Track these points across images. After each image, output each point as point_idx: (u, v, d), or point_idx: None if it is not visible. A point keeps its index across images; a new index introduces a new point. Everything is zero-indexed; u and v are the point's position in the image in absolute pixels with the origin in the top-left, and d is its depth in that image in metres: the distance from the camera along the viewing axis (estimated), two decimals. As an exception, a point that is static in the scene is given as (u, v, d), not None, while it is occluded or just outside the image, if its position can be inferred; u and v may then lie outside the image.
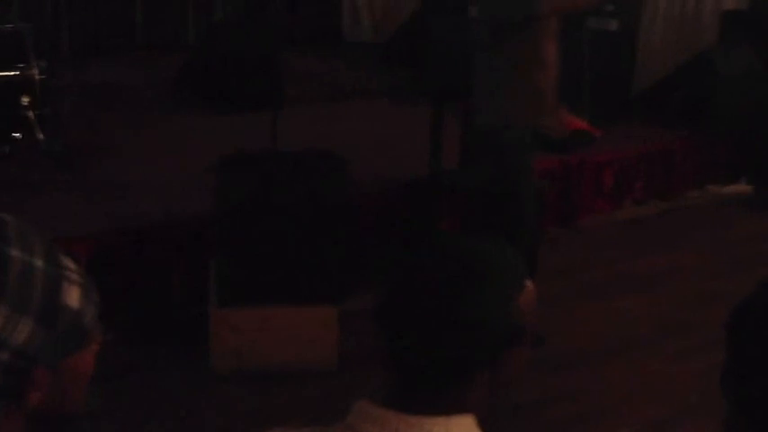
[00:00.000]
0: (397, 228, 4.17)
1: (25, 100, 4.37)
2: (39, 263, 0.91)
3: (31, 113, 4.37)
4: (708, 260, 4.64)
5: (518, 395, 2.73)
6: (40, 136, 4.38)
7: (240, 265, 3.44)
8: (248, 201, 3.45)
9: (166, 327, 3.70)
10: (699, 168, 5.60)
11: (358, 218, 3.93)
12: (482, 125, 3.71)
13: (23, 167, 4.40)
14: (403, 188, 4.38)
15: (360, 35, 7.83)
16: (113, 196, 4.14)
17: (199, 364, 3.43)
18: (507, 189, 3.65)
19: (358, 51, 7.38)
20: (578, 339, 3.81)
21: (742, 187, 5.77)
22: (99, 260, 3.58)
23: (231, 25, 6.55)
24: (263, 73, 5.44)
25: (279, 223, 3.43)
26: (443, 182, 4.36)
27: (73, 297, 0.93)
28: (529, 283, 1.22)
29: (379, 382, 1.16)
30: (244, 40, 5.72)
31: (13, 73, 4.44)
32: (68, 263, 0.96)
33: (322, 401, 3.22)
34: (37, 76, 4.45)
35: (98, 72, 6.09)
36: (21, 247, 0.91)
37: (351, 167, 3.69)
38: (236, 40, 5.76)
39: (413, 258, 1.20)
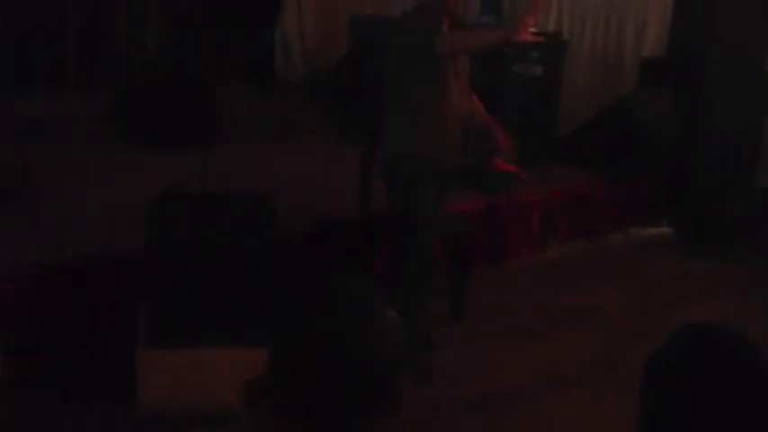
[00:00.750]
0: (328, 268, 4.19)
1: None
2: None
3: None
4: (632, 301, 4.77)
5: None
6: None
7: (169, 306, 3.43)
8: (178, 241, 3.44)
9: (93, 367, 3.64)
10: (621, 210, 5.77)
11: (288, 259, 3.93)
12: (383, 157, 3.80)
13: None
14: (333, 228, 4.40)
15: (292, 73, 7.88)
16: (39, 234, 4.07)
17: (125, 405, 3.38)
18: (404, 221, 3.72)
19: (290, 90, 7.42)
20: (504, 379, 3.85)
21: (663, 229, 5.96)
22: (24, 300, 3.52)
23: (163, 63, 6.52)
24: (194, 111, 5.43)
25: (208, 264, 3.43)
26: (374, 221, 4.40)
27: None
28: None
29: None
30: (175, 78, 5.72)
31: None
32: None
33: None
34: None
35: (27, 107, 5.99)
36: None
37: (281, 207, 3.71)
38: (168, 78, 5.75)
39: (301, 312, 1.24)
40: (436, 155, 3.73)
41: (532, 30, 3.58)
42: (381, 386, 1.22)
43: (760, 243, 5.51)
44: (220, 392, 3.37)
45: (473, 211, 4.85)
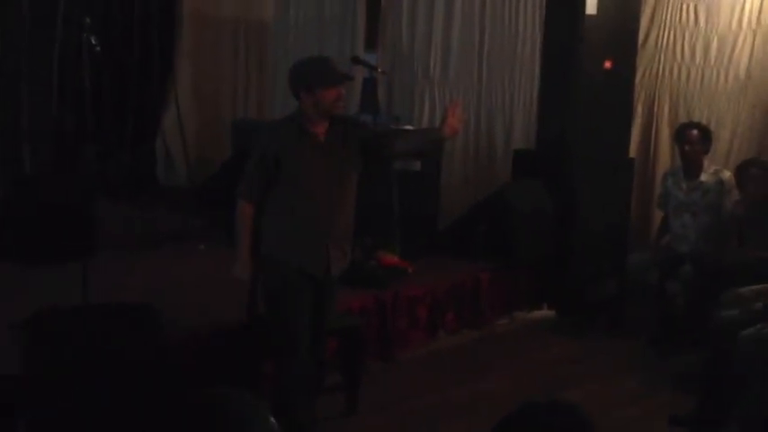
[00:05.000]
0: (217, 375, 4.15)
1: None
2: None
3: None
4: (521, 384, 4.88)
5: None
6: None
7: (50, 426, 3.32)
8: (57, 358, 3.36)
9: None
10: (505, 297, 5.95)
11: (175, 368, 3.89)
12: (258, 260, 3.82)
13: None
14: (221, 334, 4.38)
15: (175, 180, 7.89)
16: None
17: None
18: (276, 325, 3.77)
19: (173, 196, 7.42)
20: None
21: (545, 312, 6.17)
22: None
23: (41, 176, 6.44)
24: (73, 222, 5.36)
25: (91, 381, 3.36)
26: (261, 326, 4.40)
27: None
28: None
29: None
30: (53, 191, 5.65)
31: None
32: None
33: None
34: None
35: None
36: None
37: (167, 315, 3.69)
38: (46, 191, 5.68)
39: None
40: (305, 262, 3.75)
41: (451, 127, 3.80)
42: None
43: (635, 323, 5.77)
44: None
45: (361, 306, 4.92)
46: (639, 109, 6.79)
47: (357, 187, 3.94)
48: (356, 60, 5.80)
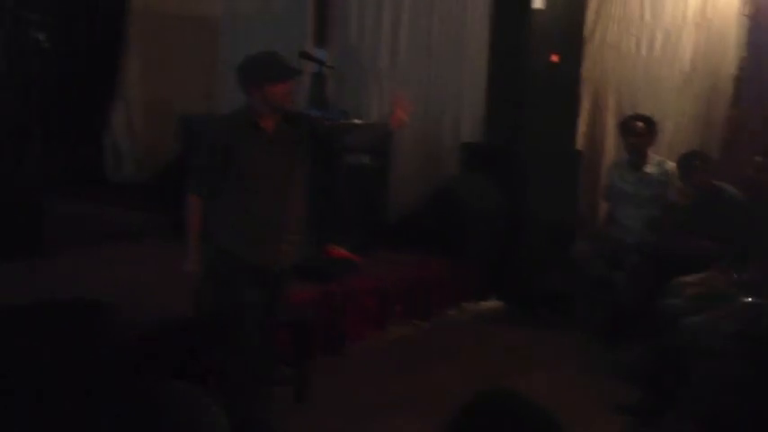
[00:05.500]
0: (165, 370, 4.14)
1: None
2: None
3: None
4: (470, 374, 4.92)
5: None
6: None
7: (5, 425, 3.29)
8: (6, 358, 3.32)
9: None
10: (454, 288, 6.01)
11: (123, 364, 3.86)
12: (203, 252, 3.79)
13: None
14: (169, 328, 4.36)
15: (122, 175, 7.82)
16: None
17: None
18: (222, 318, 3.77)
19: (121, 192, 7.36)
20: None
21: (494, 303, 6.24)
22: None
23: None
24: (19, 219, 5.29)
25: (44, 380, 3.32)
26: (210, 320, 4.40)
27: None
28: None
29: None
30: (-1, 187, 5.56)
31: None
32: None
33: None
34: None
35: None
36: None
37: (118, 312, 3.67)
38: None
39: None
40: (254, 255, 3.74)
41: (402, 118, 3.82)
42: None
43: (582, 313, 5.86)
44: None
45: (311, 298, 4.93)
46: (586, 102, 6.88)
47: (306, 181, 3.95)
48: (305, 55, 5.80)
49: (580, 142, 6.72)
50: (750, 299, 4.31)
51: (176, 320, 4.40)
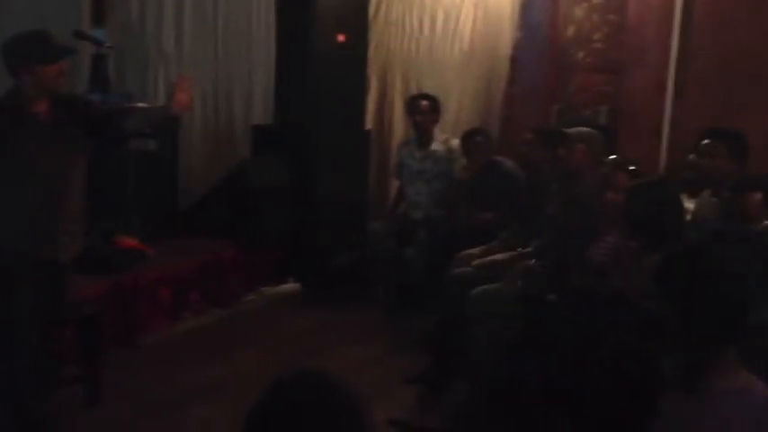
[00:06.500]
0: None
1: None
2: None
3: None
4: (268, 360, 4.89)
5: None
6: None
7: None
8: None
9: None
10: (250, 273, 5.95)
11: None
12: None
13: None
14: None
15: None
16: None
17: None
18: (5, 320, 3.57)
19: None
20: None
21: (291, 286, 6.24)
22: None
23: None
24: None
25: None
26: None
27: None
28: None
29: None
30: None
31: None
32: None
33: None
34: None
35: None
36: None
37: None
38: None
39: None
40: (31, 248, 3.55)
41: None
42: None
43: (376, 290, 5.99)
44: None
45: (99, 292, 4.72)
46: (373, 82, 6.99)
47: (88, 168, 3.76)
48: (80, 35, 5.51)
49: (369, 121, 6.83)
50: (531, 262, 4.56)
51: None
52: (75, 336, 4.30)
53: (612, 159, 4.61)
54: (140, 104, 5.83)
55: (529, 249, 4.78)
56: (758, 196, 3.56)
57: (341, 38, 6.13)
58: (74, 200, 3.69)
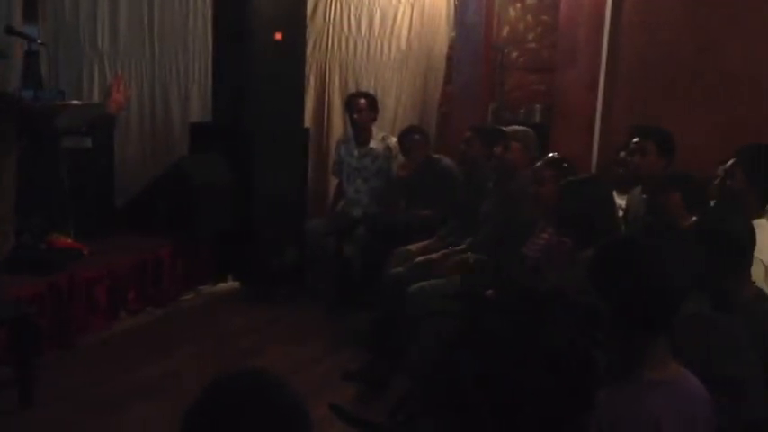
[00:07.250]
0: None
1: None
2: None
3: None
4: (207, 359, 4.88)
5: None
6: None
7: None
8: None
9: None
10: (189, 271, 5.91)
11: None
12: None
13: None
14: None
15: None
16: None
17: None
18: None
19: None
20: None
21: (230, 284, 6.22)
22: None
23: None
24: None
25: None
26: None
27: None
28: None
29: None
30: None
31: None
32: None
33: None
34: None
35: None
36: None
37: None
38: None
39: None
40: None
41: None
42: None
43: (316, 288, 6.00)
44: None
45: (33, 293, 4.64)
46: (312, 80, 7.01)
47: (20, 166, 3.71)
48: (10, 31, 5.42)
49: (308, 119, 6.83)
50: (468, 256, 4.62)
51: None
52: (8, 337, 4.23)
53: (549, 157, 4.70)
54: (74, 102, 5.77)
55: (462, 247, 4.85)
56: (677, 196, 3.64)
57: (278, 36, 6.12)
58: (4, 199, 3.64)
